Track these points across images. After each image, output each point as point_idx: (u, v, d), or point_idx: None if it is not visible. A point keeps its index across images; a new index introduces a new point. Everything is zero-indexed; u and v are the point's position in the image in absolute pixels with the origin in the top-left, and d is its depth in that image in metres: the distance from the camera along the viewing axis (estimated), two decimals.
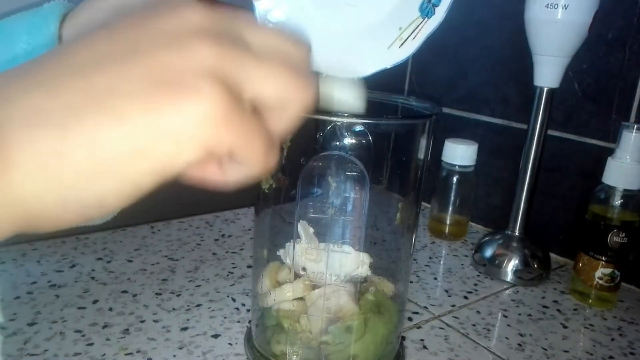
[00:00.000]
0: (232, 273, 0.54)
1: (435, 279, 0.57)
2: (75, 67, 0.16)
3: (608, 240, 0.51)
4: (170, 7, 0.18)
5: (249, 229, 0.66)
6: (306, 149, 0.36)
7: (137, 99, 0.16)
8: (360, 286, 0.38)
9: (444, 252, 0.65)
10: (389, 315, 0.38)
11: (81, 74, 0.16)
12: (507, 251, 0.58)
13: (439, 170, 0.67)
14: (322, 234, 0.38)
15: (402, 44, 0.32)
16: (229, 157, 0.18)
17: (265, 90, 0.18)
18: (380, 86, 0.36)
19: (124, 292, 0.48)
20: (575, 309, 0.53)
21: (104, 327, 0.43)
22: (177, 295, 0.49)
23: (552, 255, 0.62)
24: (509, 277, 0.57)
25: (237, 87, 0.18)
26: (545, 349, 0.45)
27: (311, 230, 0.38)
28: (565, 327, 0.49)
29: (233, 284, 0.52)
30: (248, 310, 0.47)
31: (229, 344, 0.42)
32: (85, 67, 0.16)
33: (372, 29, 0.31)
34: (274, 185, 0.38)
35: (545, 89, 0.54)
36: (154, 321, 0.44)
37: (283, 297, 0.38)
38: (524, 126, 0.57)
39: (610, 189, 0.51)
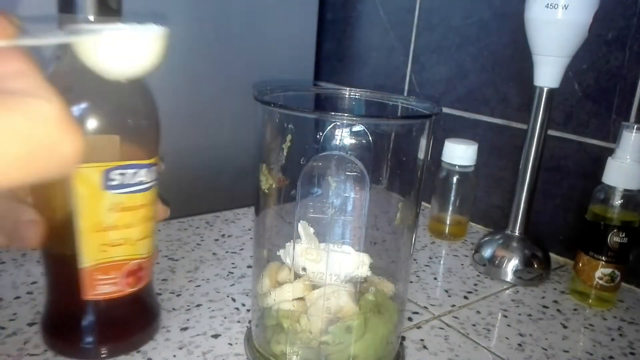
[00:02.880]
0: (232, 273, 0.54)
1: (435, 279, 0.57)
2: None
3: (608, 240, 0.51)
4: None
5: (249, 229, 0.66)
6: (306, 149, 0.36)
7: None
8: (360, 286, 0.38)
9: (444, 252, 0.65)
10: (389, 315, 0.38)
11: None
12: (507, 251, 0.58)
13: (439, 170, 0.67)
14: (322, 234, 0.38)
15: None
16: None
17: None
18: (381, 86, 0.36)
19: None
20: (575, 309, 0.53)
21: None
22: (177, 295, 0.49)
23: (552, 255, 0.62)
24: (509, 277, 0.57)
25: None
26: (545, 349, 0.45)
27: (311, 230, 0.38)
28: (565, 327, 0.49)
29: (233, 284, 0.52)
30: (248, 310, 0.47)
31: (229, 344, 0.42)
32: None
33: None
34: (274, 185, 0.38)
35: (545, 89, 0.54)
36: None
37: (283, 297, 0.38)
38: (524, 126, 0.57)
39: (610, 189, 0.51)
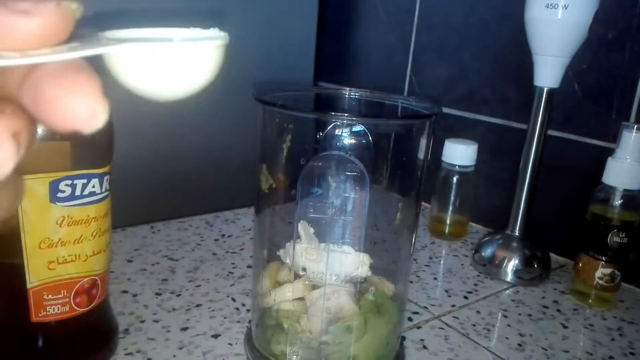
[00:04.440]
0: (232, 273, 0.54)
1: (435, 279, 0.57)
2: None
3: (608, 240, 0.51)
4: None
5: (249, 229, 0.66)
6: (306, 149, 0.36)
7: None
8: (360, 286, 0.38)
9: (444, 252, 0.65)
10: (389, 315, 0.38)
11: None
12: (507, 251, 0.58)
13: (439, 170, 0.67)
14: (322, 234, 0.38)
15: None
16: None
17: None
18: (381, 86, 0.36)
19: (124, 292, 0.48)
20: (575, 309, 0.53)
21: None
22: (177, 295, 0.49)
23: (552, 255, 0.62)
24: (509, 277, 0.57)
25: None
26: (545, 349, 0.45)
27: (311, 230, 0.38)
28: (565, 327, 0.49)
29: (233, 284, 0.52)
30: (248, 310, 0.47)
31: (229, 344, 0.42)
32: None
33: None
34: (274, 185, 0.38)
35: (545, 89, 0.54)
36: (154, 321, 0.44)
37: (283, 297, 0.38)
38: (524, 126, 0.57)
39: (610, 189, 0.51)
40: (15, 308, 0.34)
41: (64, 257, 0.33)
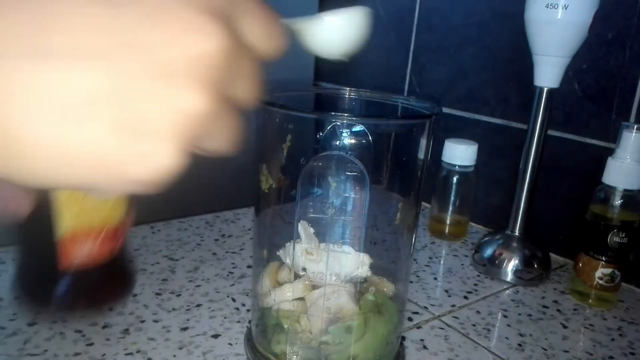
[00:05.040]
0: (232, 273, 0.54)
1: (435, 279, 0.57)
2: None
3: (608, 240, 0.51)
4: None
5: (249, 229, 0.66)
6: (306, 149, 0.36)
7: None
8: (360, 286, 0.38)
9: (444, 252, 0.65)
10: (389, 315, 0.38)
11: None
12: (507, 251, 0.58)
13: (439, 170, 0.67)
14: (322, 234, 0.38)
15: None
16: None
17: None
18: (381, 86, 0.36)
19: None
20: (575, 309, 0.53)
21: (104, 327, 0.43)
22: (177, 295, 0.49)
23: (552, 255, 0.62)
24: (509, 277, 0.57)
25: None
26: (545, 349, 0.45)
27: (311, 230, 0.38)
28: (565, 327, 0.49)
29: (233, 284, 0.52)
30: (248, 310, 0.47)
31: (229, 344, 0.42)
32: None
33: None
34: (274, 185, 0.38)
35: (545, 89, 0.54)
36: (154, 321, 0.44)
37: (283, 297, 0.38)
38: (524, 126, 0.57)
39: (610, 189, 0.51)
40: (49, 255, 0.37)
41: (93, 206, 0.36)
